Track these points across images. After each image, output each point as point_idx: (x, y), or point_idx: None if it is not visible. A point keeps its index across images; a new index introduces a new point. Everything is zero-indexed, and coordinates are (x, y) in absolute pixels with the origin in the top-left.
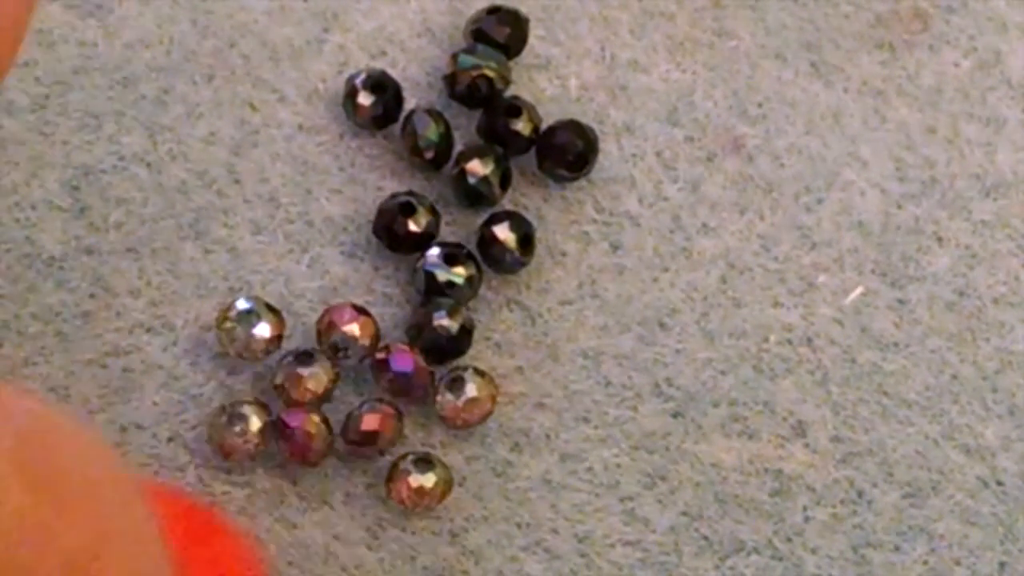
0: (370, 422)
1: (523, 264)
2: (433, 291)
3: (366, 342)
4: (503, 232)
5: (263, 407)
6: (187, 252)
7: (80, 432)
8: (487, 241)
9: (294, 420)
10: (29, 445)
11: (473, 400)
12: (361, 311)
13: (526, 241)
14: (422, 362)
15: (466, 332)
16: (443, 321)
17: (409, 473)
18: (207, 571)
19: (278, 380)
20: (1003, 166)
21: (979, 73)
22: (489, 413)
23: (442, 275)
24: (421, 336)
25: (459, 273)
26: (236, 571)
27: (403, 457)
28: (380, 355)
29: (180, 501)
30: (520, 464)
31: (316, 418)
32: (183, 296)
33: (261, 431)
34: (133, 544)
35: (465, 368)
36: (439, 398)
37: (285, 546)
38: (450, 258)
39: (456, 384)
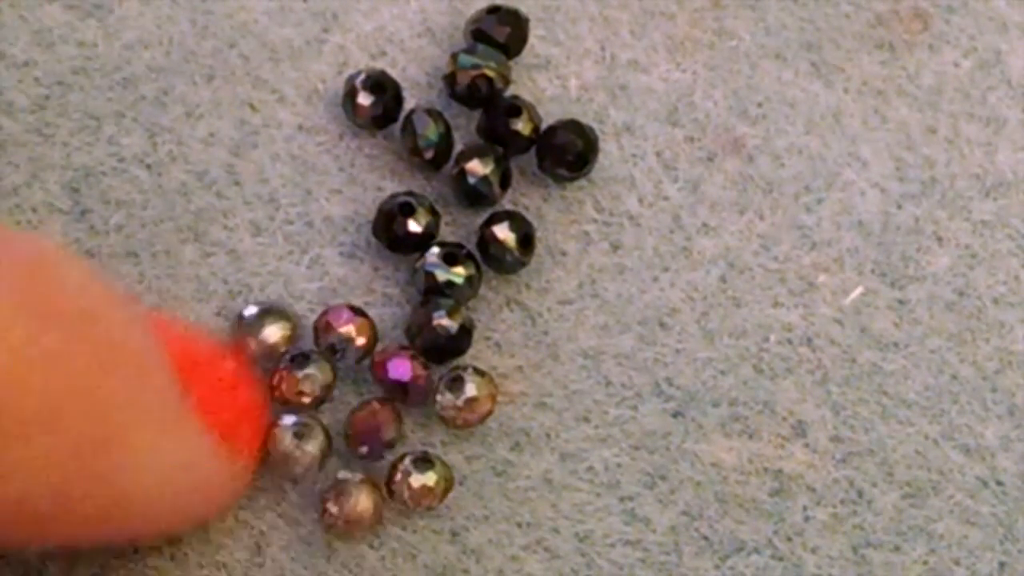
0: (367, 418)
1: (523, 264)
2: (433, 291)
3: (363, 343)
4: (503, 232)
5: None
6: (187, 255)
7: (80, 264)
8: (487, 241)
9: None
10: (32, 277)
11: (473, 400)
12: (359, 312)
13: (526, 241)
14: (420, 368)
15: (466, 332)
16: (443, 321)
17: (410, 473)
18: (214, 394)
19: (274, 382)
20: (1003, 166)
21: (979, 73)
22: (489, 413)
23: (442, 275)
24: (420, 336)
25: (459, 273)
26: (242, 397)
27: (402, 457)
28: (379, 358)
29: (185, 332)
30: (520, 463)
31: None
32: (183, 298)
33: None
34: (139, 366)
35: (465, 368)
36: (439, 398)
37: (287, 543)
38: (450, 258)
39: (456, 384)
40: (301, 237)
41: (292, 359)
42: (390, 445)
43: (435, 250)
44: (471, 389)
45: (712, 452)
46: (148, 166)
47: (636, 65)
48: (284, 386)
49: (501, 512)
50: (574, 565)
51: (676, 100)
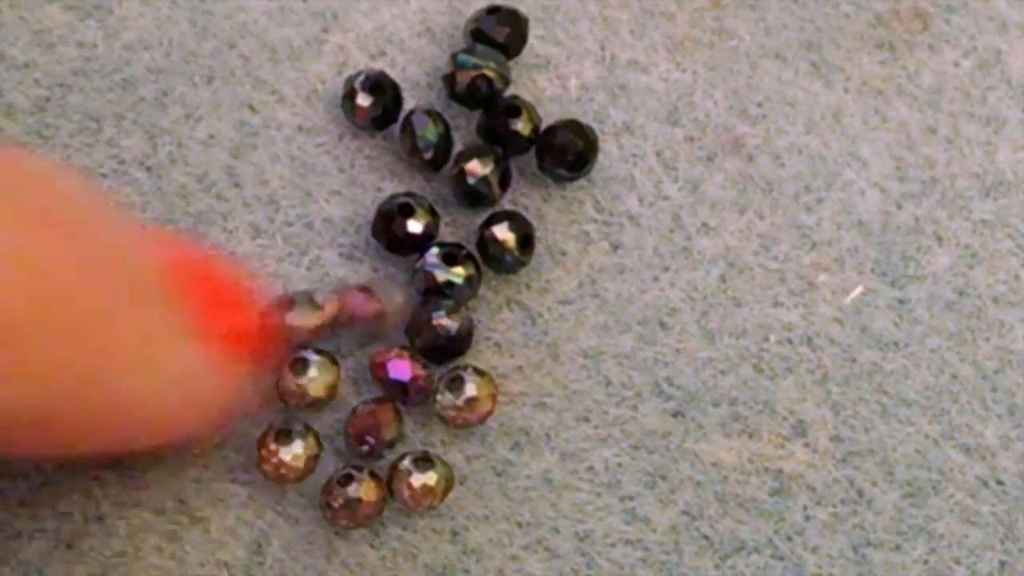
0: (367, 418)
1: (523, 264)
2: (432, 291)
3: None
4: (503, 232)
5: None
6: None
7: (73, 175)
8: (486, 241)
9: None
10: (21, 186)
11: (473, 400)
12: (364, 290)
13: (526, 241)
14: (420, 368)
15: (466, 332)
16: (443, 321)
17: (410, 473)
18: (210, 306)
19: (260, 455)
20: (1003, 166)
21: (979, 73)
22: (489, 413)
23: (441, 275)
24: (421, 336)
25: (459, 273)
26: (238, 310)
27: (402, 457)
28: (379, 358)
29: (187, 245)
30: (520, 463)
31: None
32: None
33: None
34: (133, 275)
35: (465, 368)
36: (439, 398)
37: (288, 542)
38: (449, 258)
39: (456, 384)
40: (301, 238)
41: (276, 434)
42: (390, 444)
43: (435, 250)
44: (471, 389)
45: (712, 452)
46: (148, 168)
47: (636, 65)
48: (269, 462)
49: (501, 512)
50: (574, 565)
51: (676, 100)
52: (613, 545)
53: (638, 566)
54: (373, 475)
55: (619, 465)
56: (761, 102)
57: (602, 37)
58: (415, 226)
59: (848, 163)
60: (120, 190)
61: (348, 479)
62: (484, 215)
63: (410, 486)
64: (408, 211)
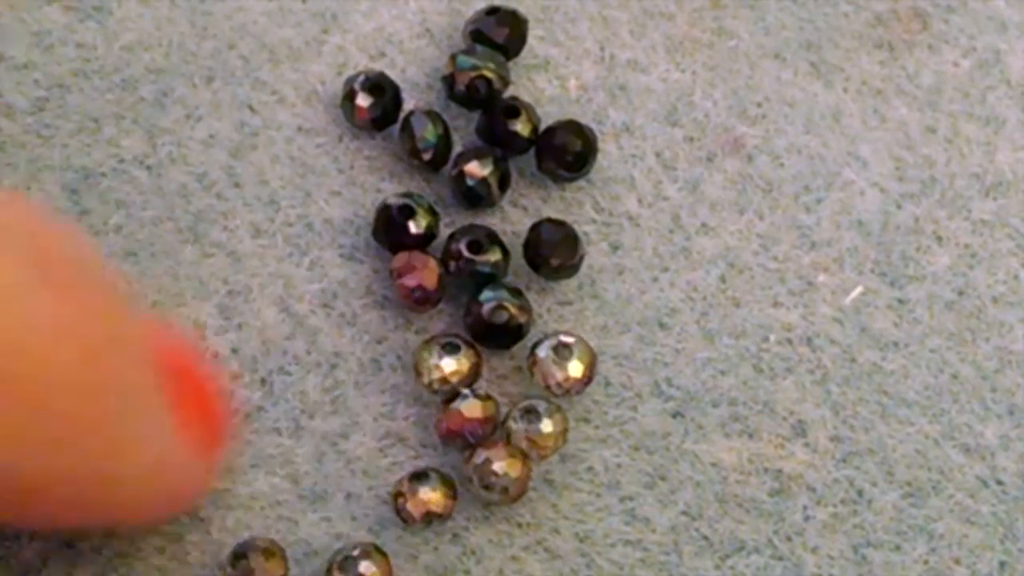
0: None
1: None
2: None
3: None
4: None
5: None
6: (187, 256)
7: (72, 231)
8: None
9: None
10: (34, 238)
11: (547, 435)
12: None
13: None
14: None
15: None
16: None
17: (415, 492)
18: (189, 398)
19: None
20: (1003, 166)
21: (979, 73)
22: (557, 448)
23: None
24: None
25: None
26: (212, 405)
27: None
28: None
29: (169, 334)
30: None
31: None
32: (183, 299)
33: None
34: (132, 354)
35: (539, 402)
36: (511, 425)
37: (286, 545)
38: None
39: (531, 415)
40: (301, 239)
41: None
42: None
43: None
44: (546, 424)
45: (712, 452)
46: (148, 167)
47: (636, 65)
48: (409, 505)
49: (501, 512)
50: (574, 565)
51: (676, 100)
52: (613, 545)
53: (638, 566)
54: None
55: (619, 465)
56: (761, 102)
57: (601, 37)
58: (415, 227)
59: (848, 163)
60: (120, 189)
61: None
62: (533, 220)
63: (416, 503)
64: (408, 212)
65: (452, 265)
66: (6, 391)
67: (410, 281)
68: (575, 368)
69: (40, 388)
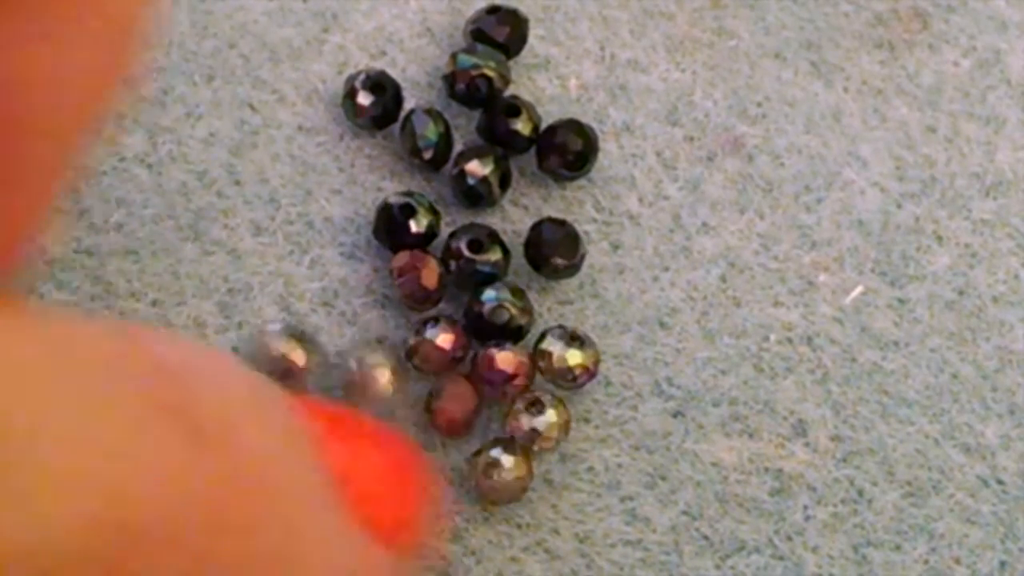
0: (504, 361)
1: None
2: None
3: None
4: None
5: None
6: (187, 253)
7: (221, 359)
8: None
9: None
10: (172, 381)
11: (549, 426)
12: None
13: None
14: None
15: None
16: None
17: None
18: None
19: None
20: (1003, 165)
21: (979, 72)
22: (559, 441)
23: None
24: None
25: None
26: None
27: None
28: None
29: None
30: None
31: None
32: (183, 297)
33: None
34: (294, 484)
35: (544, 394)
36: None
37: None
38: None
39: (535, 407)
40: (301, 237)
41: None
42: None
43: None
44: (550, 415)
45: (712, 452)
46: (148, 166)
47: (636, 65)
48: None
49: (501, 513)
50: (574, 566)
51: (676, 100)
52: (613, 546)
53: (638, 567)
54: (515, 447)
55: (619, 465)
56: (761, 102)
57: (602, 37)
58: (416, 226)
59: (848, 163)
60: (121, 187)
61: (493, 462)
62: (533, 219)
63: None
64: (409, 211)
65: (452, 264)
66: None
67: (410, 280)
68: (582, 357)
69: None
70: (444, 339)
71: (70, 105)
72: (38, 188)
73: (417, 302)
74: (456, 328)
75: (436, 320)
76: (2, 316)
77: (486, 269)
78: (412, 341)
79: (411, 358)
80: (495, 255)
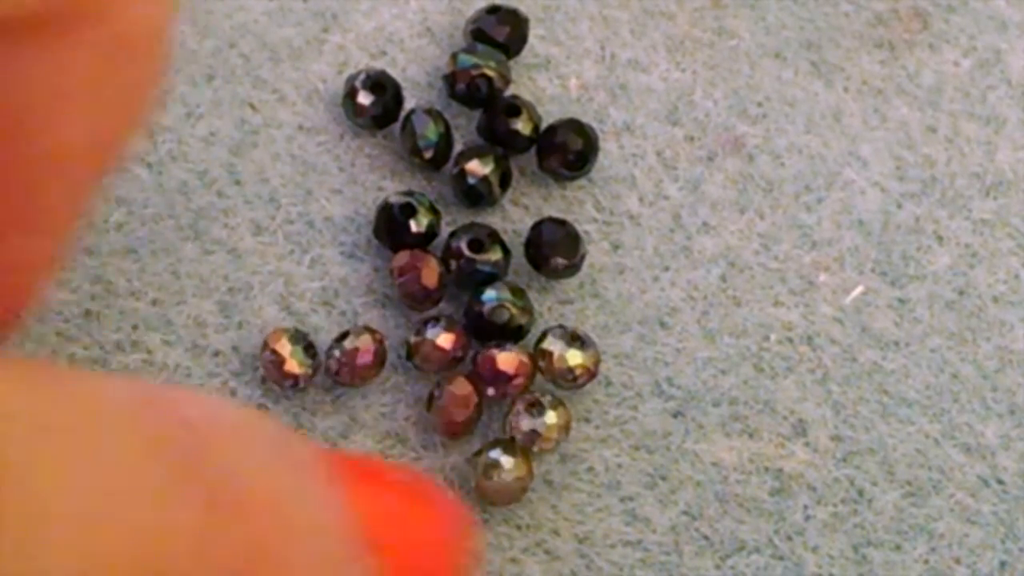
0: (505, 361)
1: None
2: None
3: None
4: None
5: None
6: (187, 253)
7: (263, 431)
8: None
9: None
10: (213, 458)
11: (549, 427)
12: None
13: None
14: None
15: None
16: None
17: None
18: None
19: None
20: (1003, 165)
21: (979, 72)
22: (559, 442)
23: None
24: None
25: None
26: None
27: None
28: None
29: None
30: None
31: None
32: (183, 296)
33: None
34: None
35: (543, 395)
36: (512, 420)
37: None
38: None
39: (535, 409)
40: (302, 237)
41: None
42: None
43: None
44: (551, 416)
45: (712, 452)
46: (149, 165)
47: (636, 65)
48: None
49: (501, 514)
50: (574, 566)
51: (676, 100)
52: (613, 546)
53: (638, 567)
54: (513, 448)
55: (619, 466)
56: (761, 102)
57: (602, 37)
58: (417, 225)
59: (848, 163)
60: (121, 186)
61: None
62: (532, 220)
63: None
64: (410, 211)
65: (453, 264)
66: None
67: (411, 280)
68: (582, 358)
69: None
70: (445, 339)
71: (84, 144)
72: (50, 231)
73: (417, 302)
74: (457, 328)
75: (437, 320)
76: (21, 373)
77: (486, 269)
78: (413, 340)
79: (411, 358)
80: (495, 255)
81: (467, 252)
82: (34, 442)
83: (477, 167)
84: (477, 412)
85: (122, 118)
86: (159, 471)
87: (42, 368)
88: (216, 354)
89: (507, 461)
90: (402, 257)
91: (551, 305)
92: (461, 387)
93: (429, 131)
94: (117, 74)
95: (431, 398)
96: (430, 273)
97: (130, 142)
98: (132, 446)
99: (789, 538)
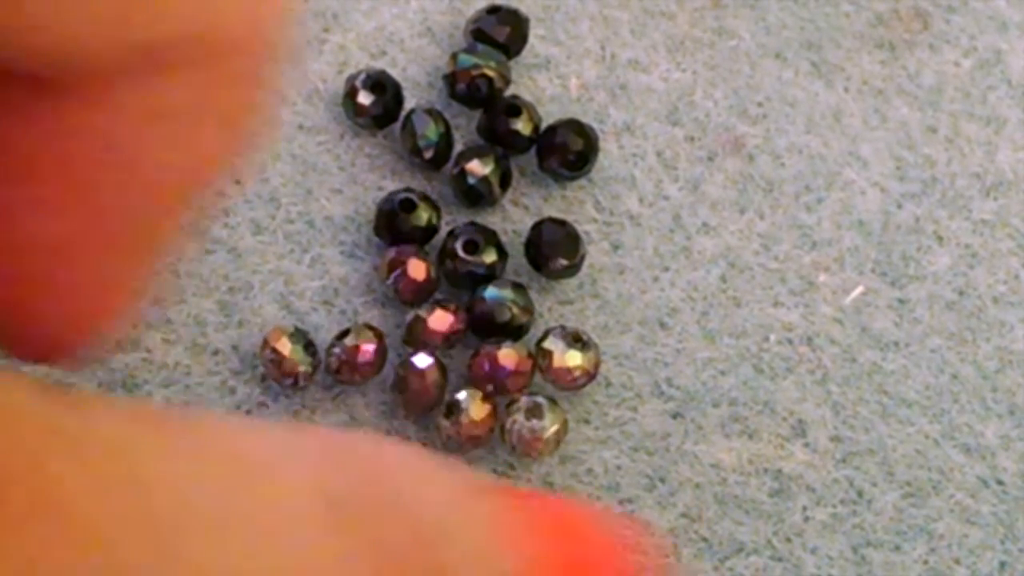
0: (506, 357)
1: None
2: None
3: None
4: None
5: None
6: (187, 251)
7: (438, 475)
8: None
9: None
10: (378, 507)
11: (543, 429)
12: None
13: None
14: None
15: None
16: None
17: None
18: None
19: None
20: (1003, 165)
21: (979, 72)
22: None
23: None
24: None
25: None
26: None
27: None
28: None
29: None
30: (521, 466)
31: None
32: (184, 295)
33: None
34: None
35: (542, 397)
36: (507, 421)
37: None
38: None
39: (534, 411)
40: (302, 236)
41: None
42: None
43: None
44: (548, 419)
45: (712, 453)
46: None
47: (636, 65)
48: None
49: None
50: None
51: (676, 100)
52: None
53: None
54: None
55: (618, 467)
56: (761, 102)
57: (602, 37)
58: (417, 221)
59: (848, 163)
60: None
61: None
62: (533, 220)
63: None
64: (409, 206)
65: (448, 264)
66: None
67: (399, 276)
68: (582, 359)
69: None
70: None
71: (181, 169)
72: (143, 254)
73: (409, 296)
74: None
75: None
76: (149, 428)
77: (480, 271)
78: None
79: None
80: (490, 257)
81: (461, 253)
82: (213, 537)
83: (477, 167)
84: (442, 389)
85: (223, 143)
86: (339, 545)
87: (171, 420)
88: (216, 353)
89: (470, 407)
90: (389, 253)
91: (551, 305)
92: (422, 360)
93: (429, 131)
94: (222, 101)
95: (399, 378)
96: (416, 267)
97: (228, 169)
98: (312, 520)
99: (788, 539)
